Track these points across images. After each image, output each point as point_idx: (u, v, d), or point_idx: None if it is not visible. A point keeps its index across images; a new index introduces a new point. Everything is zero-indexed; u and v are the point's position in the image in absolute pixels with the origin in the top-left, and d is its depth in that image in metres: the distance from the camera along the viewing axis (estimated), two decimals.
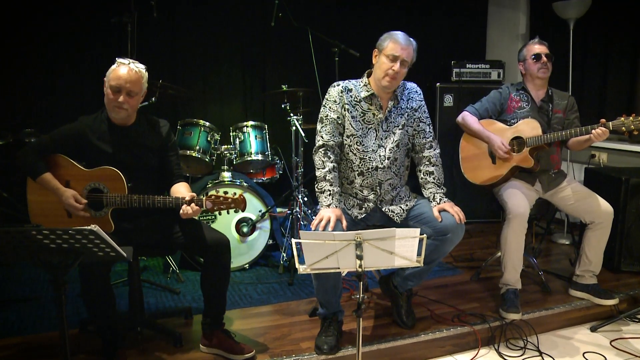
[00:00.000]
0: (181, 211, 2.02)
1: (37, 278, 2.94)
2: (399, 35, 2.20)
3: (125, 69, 2.05)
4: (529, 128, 2.63)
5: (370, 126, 2.26)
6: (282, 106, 3.29)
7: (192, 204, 2.01)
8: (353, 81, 2.30)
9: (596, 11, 3.64)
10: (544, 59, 2.65)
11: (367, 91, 2.25)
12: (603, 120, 2.44)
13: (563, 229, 3.76)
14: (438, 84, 4.05)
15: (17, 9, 3.38)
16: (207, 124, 3.23)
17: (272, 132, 3.50)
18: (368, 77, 2.29)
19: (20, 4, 3.38)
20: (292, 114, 3.24)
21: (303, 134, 3.24)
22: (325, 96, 2.29)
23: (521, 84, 2.78)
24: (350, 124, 2.24)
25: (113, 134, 2.12)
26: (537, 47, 2.67)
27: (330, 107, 2.25)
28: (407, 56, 2.17)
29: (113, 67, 2.07)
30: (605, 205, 2.58)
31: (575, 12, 3.56)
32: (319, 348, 2.16)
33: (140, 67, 2.10)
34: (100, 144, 2.10)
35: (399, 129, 2.28)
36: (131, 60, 2.09)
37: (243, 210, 2.08)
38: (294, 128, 3.24)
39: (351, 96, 2.26)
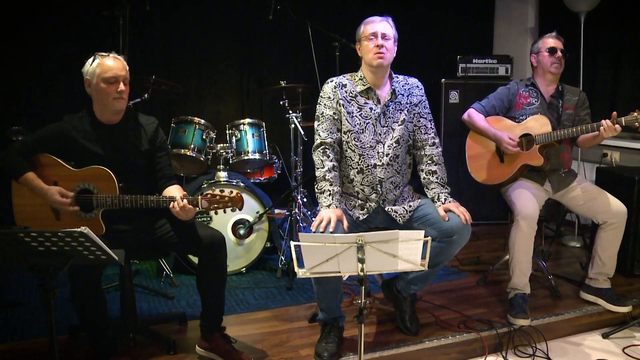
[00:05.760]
0: (171, 207, 1.98)
1: (26, 282, 2.90)
2: (371, 17, 2.22)
3: (112, 60, 2.05)
4: (539, 125, 2.59)
5: (368, 121, 2.22)
6: (281, 103, 3.26)
7: (185, 201, 1.97)
8: (348, 75, 2.28)
9: (608, 3, 3.60)
10: (559, 54, 2.62)
11: (364, 85, 2.23)
12: (615, 113, 2.39)
13: (574, 231, 3.71)
14: (443, 80, 4.00)
15: (2, 2, 3.33)
16: (202, 121, 3.18)
17: (270, 130, 3.46)
18: (362, 70, 2.27)
19: None
20: (290, 111, 3.21)
21: (302, 132, 3.22)
22: (320, 93, 2.26)
23: (530, 79, 2.74)
24: (346, 119, 2.21)
25: (99, 132, 2.09)
26: (553, 41, 2.64)
27: (325, 104, 2.23)
28: (384, 29, 2.17)
29: (96, 61, 2.03)
30: (618, 205, 2.53)
31: (586, 5, 3.52)
32: (319, 355, 2.12)
33: (121, 57, 2.10)
34: (87, 143, 2.07)
35: (399, 125, 2.24)
36: (109, 53, 2.08)
37: (240, 209, 2.05)
38: (292, 126, 3.21)
39: (346, 91, 2.23)
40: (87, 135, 2.08)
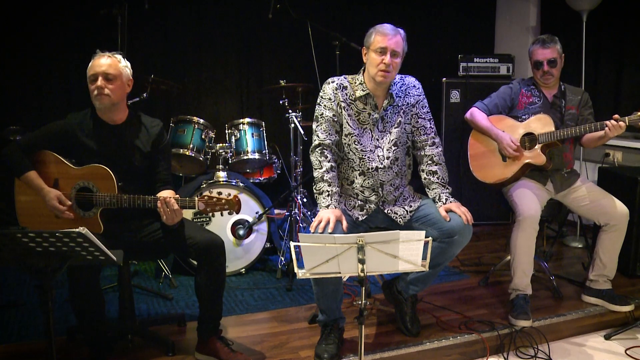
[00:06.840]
0: (158, 206, 1.96)
1: (23, 283, 2.89)
2: (384, 26, 2.15)
3: (100, 58, 2.06)
4: (541, 124, 2.57)
5: (365, 126, 2.20)
6: (280, 102, 3.24)
7: (173, 200, 1.95)
8: (349, 77, 2.24)
9: (610, 2, 3.58)
10: (546, 67, 2.57)
11: (363, 90, 2.19)
12: (616, 116, 2.36)
13: (576, 232, 3.70)
14: (444, 79, 3.98)
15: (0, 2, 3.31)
16: (202, 121, 3.17)
17: (269, 129, 3.44)
18: (364, 74, 2.23)
19: None
20: (290, 111, 3.19)
21: (302, 132, 3.19)
22: (320, 93, 2.23)
23: (532, 79, 2.72)
24: (347, 122, 2.19)
25: (102, 132, 2.09)
26: (540, 53, 2.59)
27: (325, 105, 2.19)
28: (395, 46, 2.11)
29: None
30: (620, 206, 2.51)
31: (588, 4, 3.50)
32: (319, 356, 2.12)
33: (118, 55, 2.08)
34: (89, 142, 2.07)
35: (395, 128, 2.22)
36: (105, 52, 2.08)
37: (237, 213, 2.04)
38: (292, 125, 3.19)
39: (346, 94, 2.20)
40: (89, 133, 2.08)
